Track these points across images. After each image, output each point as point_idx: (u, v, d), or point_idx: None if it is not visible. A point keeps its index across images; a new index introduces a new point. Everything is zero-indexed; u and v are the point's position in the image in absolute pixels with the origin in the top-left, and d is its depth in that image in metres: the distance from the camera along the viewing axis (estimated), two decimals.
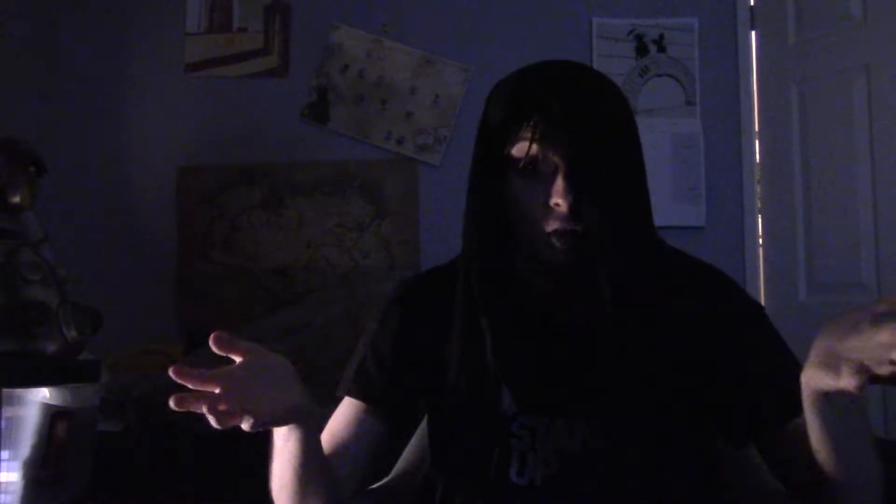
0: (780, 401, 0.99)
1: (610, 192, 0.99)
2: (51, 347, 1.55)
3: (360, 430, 1.11)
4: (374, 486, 1.24)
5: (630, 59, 2.98)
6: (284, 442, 1.01)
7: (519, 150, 1.00)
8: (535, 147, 0.98)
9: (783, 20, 2.89)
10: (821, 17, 2.78)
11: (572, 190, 0.97)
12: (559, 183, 0.97)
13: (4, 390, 1.44)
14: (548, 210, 0.99)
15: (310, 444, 1.01)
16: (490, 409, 1.04)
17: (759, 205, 2.98)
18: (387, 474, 1.28)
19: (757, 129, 2.98)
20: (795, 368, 0.93)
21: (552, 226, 0.99)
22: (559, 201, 0.97)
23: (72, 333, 1.60)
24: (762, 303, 2.84)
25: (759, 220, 2.97)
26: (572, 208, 0.97)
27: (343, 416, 1.13)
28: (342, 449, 1.10)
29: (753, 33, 3.00)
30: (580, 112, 0.98)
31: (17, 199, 1.60)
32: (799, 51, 2.85)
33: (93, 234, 2.86)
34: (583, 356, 1.03)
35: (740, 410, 1.03)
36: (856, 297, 2.65)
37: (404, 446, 1.32)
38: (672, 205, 2.87)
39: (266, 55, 3.00)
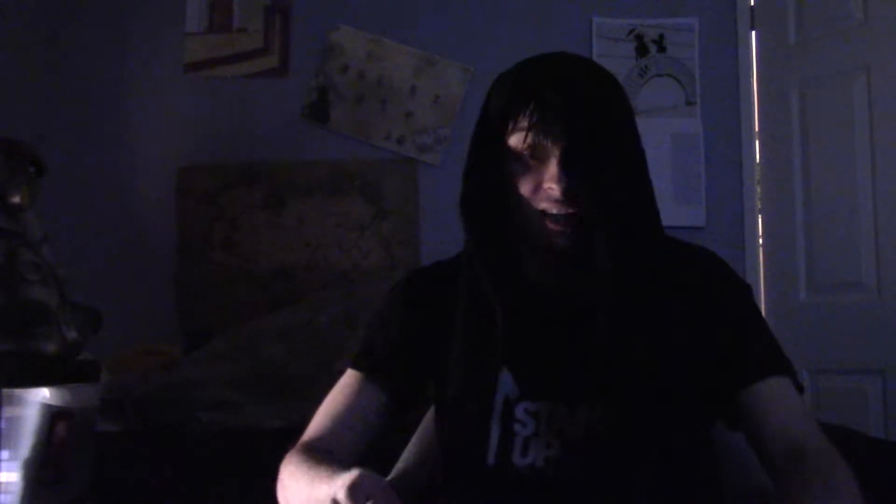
0: (750, 361, 1.04)
1: (605, 178, 1.01)
2: (51, 347, 1.56)
3: (363, 401, 1.11)
4: None
5: (630, 59, 2.98)
6: None
7: (517, 139, 1.03)
8: (531, 136, 1.01)
9: (783, 20, 2.89)
10: (821, 17, 2.78)
11: (566, 175, 1.00)
12: (553, 169, 1.01)
13: (4, 390, 1.44)
14: (541, 194, 1.02)
15: None
16: (491, 393, 1.05)
17: (759, 205, 2.98)
18: (386, 470, 1.28)
19: (757, 129, 2.98)
20: (772, 341, 1.06)
21: (543, 206, 1.02)
22: (553, 185, 1.00)
23: (72, 333, 1.60)
24: (762, 302, 2.87)
25: (759, 220, 2.97)
26: (565, 192, 1.00)
27: (347, 387, 1.13)
28: (343, 419, 1.10)
29: (753, 33, 2.99)
30: (575, 101, 1.01)
31: (17, 199, 1.61)
32: (799, 51, 2.85)
33: (93, 234, 2.85)
34: (584, 340, 1.05)
35: (721, 376, 1.06)
36: (856, 297, 2.65)
37: (404, 442, 1.32)
38: (672, 205, 2.87)
39: (266, 55, 2.99)
